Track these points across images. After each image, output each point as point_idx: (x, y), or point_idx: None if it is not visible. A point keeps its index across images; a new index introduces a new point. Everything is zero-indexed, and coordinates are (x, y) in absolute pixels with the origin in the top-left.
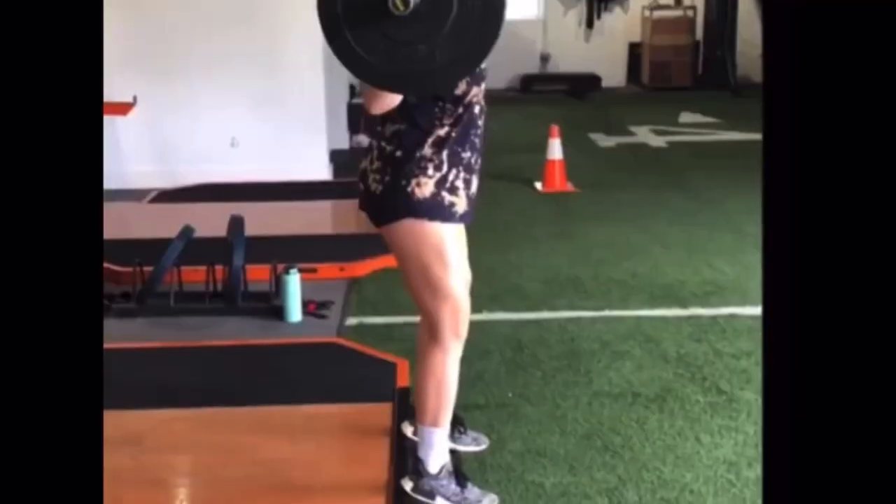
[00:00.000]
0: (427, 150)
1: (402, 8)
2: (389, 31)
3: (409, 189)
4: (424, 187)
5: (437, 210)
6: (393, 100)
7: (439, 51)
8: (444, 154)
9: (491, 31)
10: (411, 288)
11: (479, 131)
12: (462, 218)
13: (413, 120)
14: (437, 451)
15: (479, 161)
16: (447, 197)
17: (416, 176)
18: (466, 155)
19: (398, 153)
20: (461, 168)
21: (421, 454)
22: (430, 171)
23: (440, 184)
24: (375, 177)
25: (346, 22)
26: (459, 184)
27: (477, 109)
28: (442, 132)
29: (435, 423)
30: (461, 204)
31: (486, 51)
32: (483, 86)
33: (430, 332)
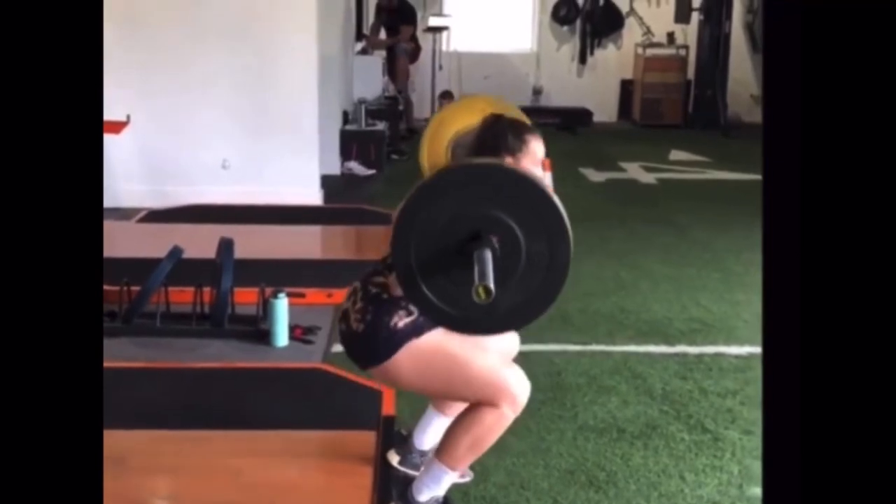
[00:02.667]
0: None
1: (484, 297)
2: (457, 279)
3: (390, 324)
4: (405, 319)
5: (421, 326)
6: None
7: (502, 300)
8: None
9: (553, 288)
10: (450, 397)
11: None
12: None
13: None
14: (436, 489)
15: None
16: (423, 318)
17: (397, 314)
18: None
19: (384, 296)
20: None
21: (418, 483)
22: (409, 314)
23: (417, 316)
24: (357, 316)
25: (420, 272)
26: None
27: None
28: None
29: (453, 468)
30: None
31: (547, 305)
32: None
33: (490, 403)
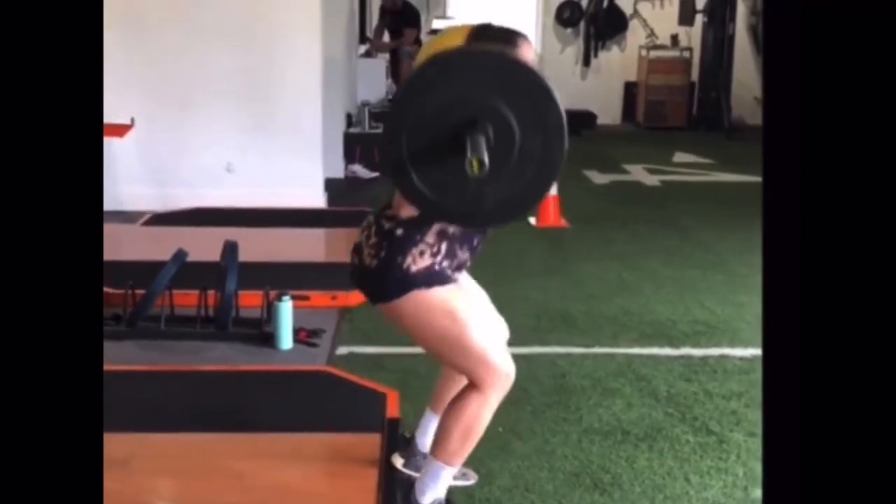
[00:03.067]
0: (428, 237)
1: (477, 171)
2: (449, 167)
3: (404, 265)
4: (419, 262)
5: (433, 277)
6: None
7: (490, 194)
8: (443, 246)
9: (543, 185)
10: (439, 357)
11: (483, 238)
12: (458, 277)
13: (426, 215)
14: (437, 487)
15: (471, 261)
16: (443, 263)
17: (412, 254)
18: (464, 256)
19: (398, 232)
20: (454, 262)
21: (420, 484)
22: (427, 256)
23: (432, 262)
24: (370, 251)
25: (411, 158)
26: (448, 273)
27: None
28: (448, 228)
29: (449, 462)
30: (454, 274)
31: (536, 201)
32: None
33: (474, 382)
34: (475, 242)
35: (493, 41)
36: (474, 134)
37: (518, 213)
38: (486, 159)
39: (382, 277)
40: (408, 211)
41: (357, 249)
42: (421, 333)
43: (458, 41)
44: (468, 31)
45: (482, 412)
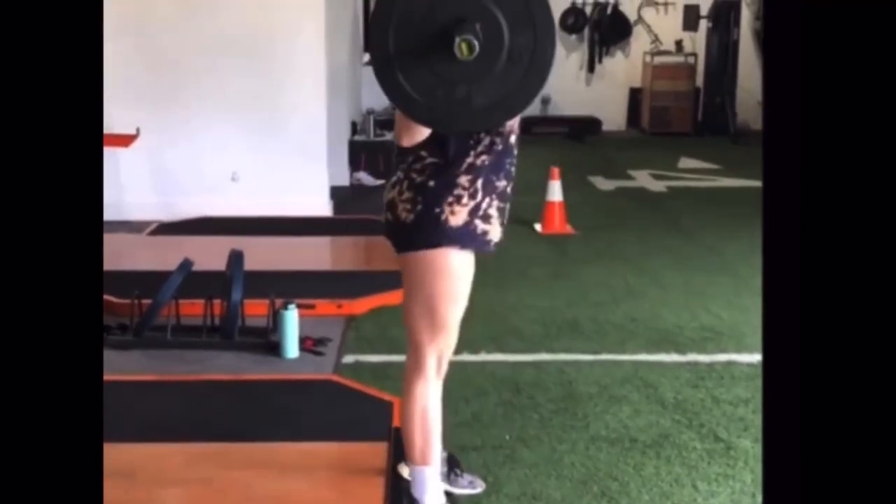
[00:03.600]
0: (462, 179)
1: (466, 53)
2: (436, 68)
3: (442, 217)
4: (458, 215)
5: (470, 238)
6: (423, 131)
7: (478, 95)
8: (479, 183)
9: (532, 86)
10: (411, 314)
11: (513, 160)
12: (494, 246)
13: (445, 150)
14: (430, 492)
15: (513, 189)
16: (480, 225)
17: (451, 204)
18: (501, 184)
19: (431, 182)
20: (495, 196)
21: (416, 494)
22: (465, 200)
23: (474, 212)
24: (406, 206)
25: (397, 57)
26: (493, 212)
27: (513, 139)
28: (476, 161)
29: (424, 461)
30: (494, 232)
31: (525, 104)
32: (519, 115)
33: (415, 365)
34: (507, 165)
35: None
36: (462, 30)
37: (507, 115)
38: (476, 44)
39: (420, 229)
40: (407, 139)
41: (390, 206)
42: (418, 289)
43: None
44: None
45: (429, 393)
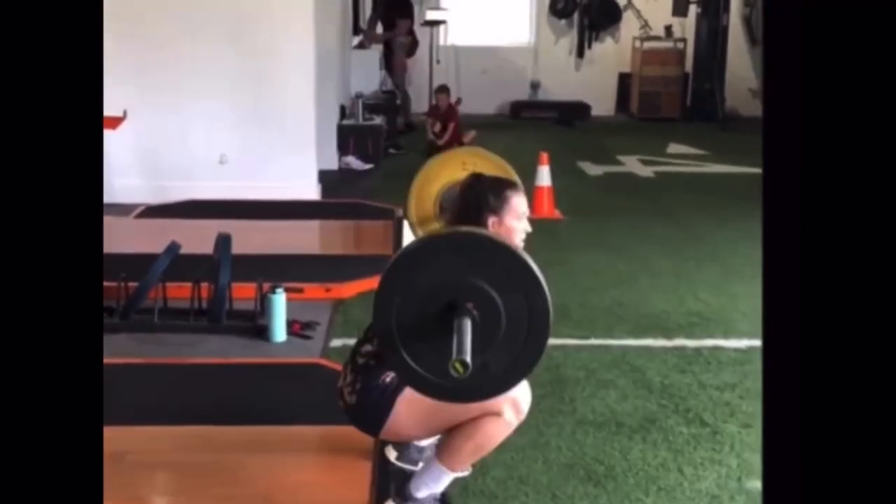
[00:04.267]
0: None
1: (461, 372)
2: (442, 347)
3: (379, 381)
4: (391, 374)
5: None
6: None
7: (493, 363)
8: None
9: (538, 341)
10: (457, 424)
11: None
12: None
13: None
14: (435, 487)
15: None
16: None
17: (385, 373)
18: None
19: (371, 363)
20: None
21: (417, 480)
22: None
23: None
24: (348, 389)
25: (401, 339)
26: None
27: None
28: None
29: (453, 469)
30: None
31: (537, 359)
32: None
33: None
34: None
35: (484, 191)
36: (460, 324)
37: (525, 372)
38: (468, 358)
39: (367, 406)
40: (375, 346)
41: (339, 394)
42: (430, 425)
43: (451, 175)
44: (462, 179)
45: (499, 433)
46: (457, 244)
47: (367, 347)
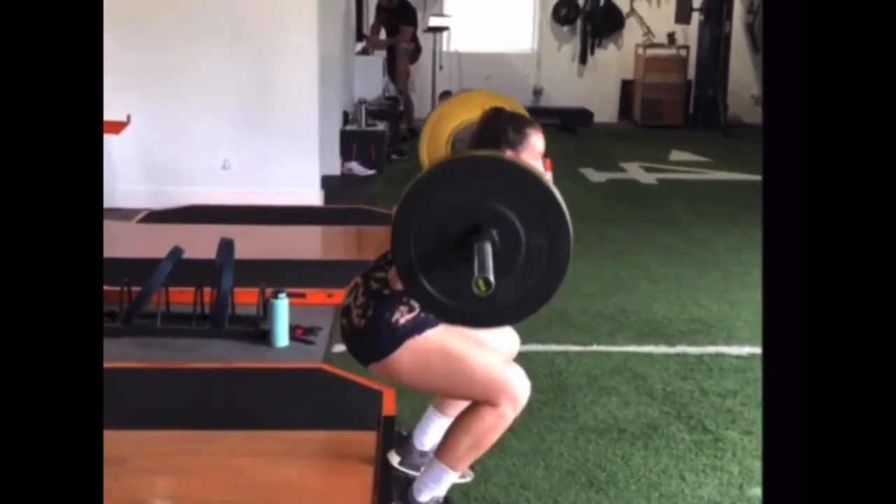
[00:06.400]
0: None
1: (483, 290)
2: (458, 272)
3: (392, 319)
4: (406, 315)
5: (422, 323)
6: None
7: (501, 294)
8: None
9: (552, 282)
10: (449, 395)
11: None
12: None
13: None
14: (437, 489)
15: None
16: (425, 314)
17: (399, 309)
18: None
19: (385, 291)
20: (437, 322)
21: (419, 483)
22: (413, 312)
23: (419, 312)
24: (358, 312)
25: (420, 264)
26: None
27: None
28: None
29: (453, 467)
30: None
31: (547, 298)
32: None
33: (491, 403)
34: None
35: (502, 127)
36: (480, 243)
37: (531, 310)
38: (492, 278)
39: (373, 335)
40: (389, 271)
41: (345, 312)
42: (423, 380)
43: (469, 115)
44: (479, 115)
45: (497, 426)
46: (485, 167)
47: (381, 273)
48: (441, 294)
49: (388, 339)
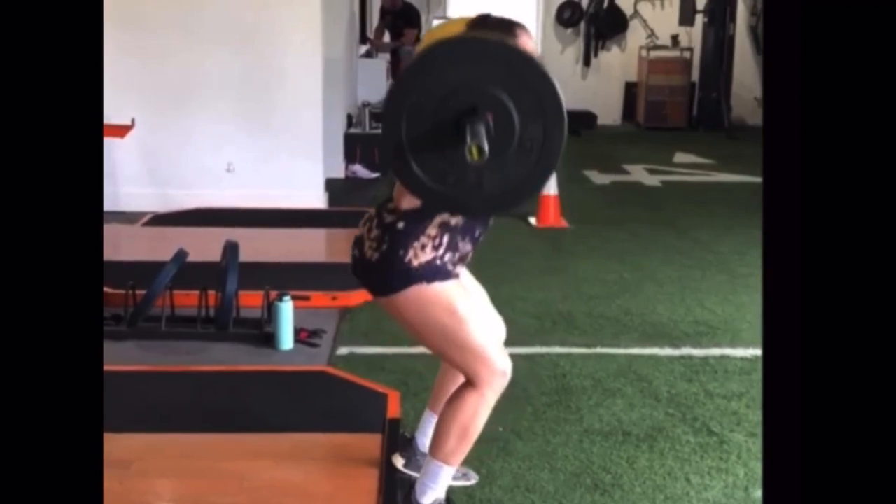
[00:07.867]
0: (430, 230)
1: (477, 157)
2: (448, 155)
3: (405, 259)
4: (421, 257)
5: (435, 271)
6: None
7: (489, 181)
8: (445, 238)
9: (542, 175)
10: (437, 352)
11: (485, 230)
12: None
13: (426, 204)
14: (437, 487)
15: (472, 254)
16: (441, 262)
17: (413, 248)
18: (466, 248)
19: (400, 224)
20: (457, 256)
21: (419, 485)
22: (428, 250)
23: (433, 259)
24: (372, 244)
25: (410, 145)
26: (450, 267)
27: None
28: (450, 220)
29: (447, 461)
30: (456, 269)
31: (535, 191)
32: None
33: (471, 381)
34: (477, 234)
35: (492, 31)
36: (474, 122)
37: (518, 201)
38: (486, 146)
39: (384, 270)
40: (409, 202)
41: (358, 242)
42: (420, 328)
43: (457, 31)
44: (467, 21)
45: (479, 410)
46: (490, 50)
47: (392, 204)
48: (428, 177)
49: (400, 277)
